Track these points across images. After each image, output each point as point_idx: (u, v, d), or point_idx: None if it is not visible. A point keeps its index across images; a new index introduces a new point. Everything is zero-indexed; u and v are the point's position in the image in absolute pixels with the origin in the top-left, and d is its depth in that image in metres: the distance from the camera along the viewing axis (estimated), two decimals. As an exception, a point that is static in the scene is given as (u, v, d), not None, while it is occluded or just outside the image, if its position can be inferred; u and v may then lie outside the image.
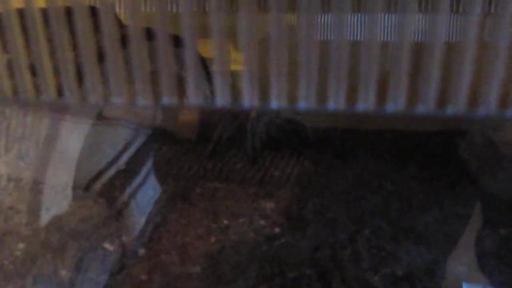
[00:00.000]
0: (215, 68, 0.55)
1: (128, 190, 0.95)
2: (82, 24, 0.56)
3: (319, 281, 0.69)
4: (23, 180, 0.88)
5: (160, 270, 0.74)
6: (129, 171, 1.01)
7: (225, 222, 0.87)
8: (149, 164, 1.07)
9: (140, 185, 0.99)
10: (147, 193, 0.98)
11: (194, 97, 0.56)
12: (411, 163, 1.13)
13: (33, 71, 0.63)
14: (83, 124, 0.98)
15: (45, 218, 0.88)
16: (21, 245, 0.82)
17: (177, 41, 0.58)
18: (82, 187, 0.94)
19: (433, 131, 1.32)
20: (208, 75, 1.39)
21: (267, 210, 0.91)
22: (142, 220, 0.89)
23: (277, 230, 0.84)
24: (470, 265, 0.73)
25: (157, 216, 0.90)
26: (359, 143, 1.28)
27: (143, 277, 0.72)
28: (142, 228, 0.87)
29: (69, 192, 0.93)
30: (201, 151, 1.19)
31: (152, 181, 1.03)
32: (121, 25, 0.60)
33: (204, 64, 1.36)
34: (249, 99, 0.54)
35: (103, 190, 0.95)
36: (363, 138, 1.32)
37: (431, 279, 0.69)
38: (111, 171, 0.99)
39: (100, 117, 1.04)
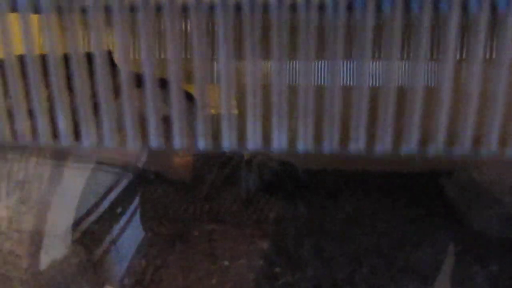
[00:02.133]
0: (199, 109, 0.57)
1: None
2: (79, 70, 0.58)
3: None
4: (24, 224, 0.88)
5: (164, 312, 0.75)
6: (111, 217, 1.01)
7: (225, 263, 0.89)
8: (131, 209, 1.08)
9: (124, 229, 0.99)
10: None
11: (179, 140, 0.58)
12: (400, 203, 1.17)
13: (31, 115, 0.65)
14: (84, 170, 1.00)
15: (44, 262, 0.88)
16: (21, 290, 0.82)
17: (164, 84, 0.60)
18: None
19: (418, 172, 1.37)
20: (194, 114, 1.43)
21: (265, 251, 0.93)
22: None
23: (277, 269, 0.86)
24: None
25: (157, 258, 0.91)
26: (349, 184, 1.32)
27: (148, 318, 0.73)
28: (142, 270, 0.88)
29: (68, 236, 0.94)
30: (196, 193, 1.21)
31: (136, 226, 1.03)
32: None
33: (193, 102, 1.41)
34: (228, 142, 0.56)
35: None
36: (352, 179, 1.37)
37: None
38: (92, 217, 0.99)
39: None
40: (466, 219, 1.06)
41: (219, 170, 1.24)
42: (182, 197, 1.20)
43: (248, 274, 0.85)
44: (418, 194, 1.23)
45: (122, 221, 1.03)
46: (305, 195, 1.23)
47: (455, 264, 0.88)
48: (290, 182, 1.27)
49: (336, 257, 0.90)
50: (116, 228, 1.01)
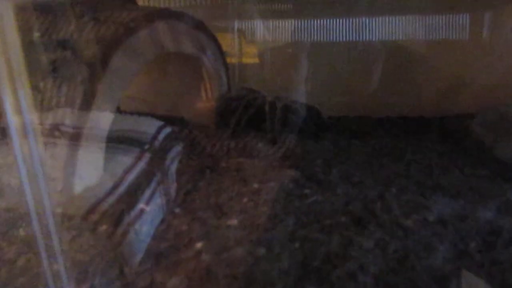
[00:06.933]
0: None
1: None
2: None
3: (355, 226, 0.72)
4: (58, 150, 0.90)
5: (198, 223, 0.76)
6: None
7: (255, 186, 0.90)
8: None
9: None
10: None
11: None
12: (427, 140, 1.17)
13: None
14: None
15: (78, 186, 0.90)
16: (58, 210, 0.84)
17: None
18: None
19: (442, 116, 1.36)
20: (225, 63, 1.43)
21: (294, 177, 0.94)
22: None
23: (307, 191, 0.87)
24: (497, 210, 0.76)
25: (188, 183, 0.93)
26: (375, 127, 1.33)
27: (184, 227, 0.75)
28: (175, 192, 0.89)
29: (100, 164, 0.96)
30: (221, 134, 1.23)
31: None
32: None
33: (222, 53, 1.41)
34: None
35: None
36: (377, 123, 1.37)
37: (461, 221, 0.72)
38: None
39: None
40: (491, 150, 1.06)
41: (243, 111, 1.25)
42: (208, 137, 1.21)
43: (278, 194, 0.86)
44: (444, 132, 1.24)
45: (152, 156, 1.05)
46: (329, 136, 1.24)
47: (478, 182, 0.88)
48: (313, 123, 1.28)
49: (365, 181, 0.91)
50: (145, 160, 1.03)
